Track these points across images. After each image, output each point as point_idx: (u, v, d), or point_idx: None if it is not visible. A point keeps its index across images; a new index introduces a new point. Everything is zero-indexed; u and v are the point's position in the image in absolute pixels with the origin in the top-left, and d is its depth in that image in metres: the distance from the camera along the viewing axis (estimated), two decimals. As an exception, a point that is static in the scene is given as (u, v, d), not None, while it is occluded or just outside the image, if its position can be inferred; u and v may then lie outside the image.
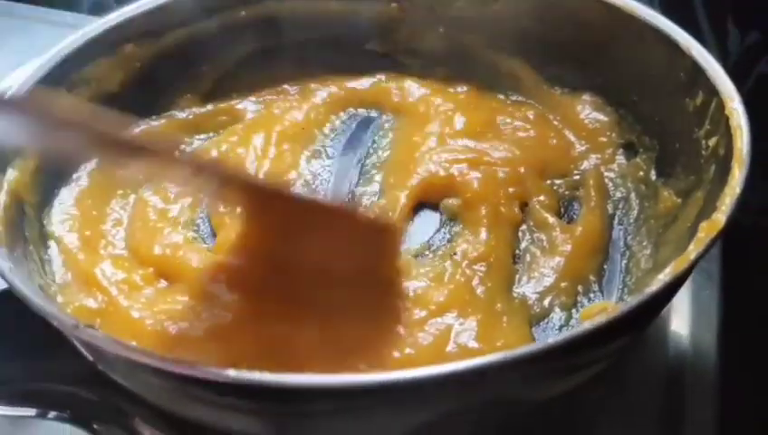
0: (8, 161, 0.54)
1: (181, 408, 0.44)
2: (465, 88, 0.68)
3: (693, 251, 0.41)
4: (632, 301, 0.38)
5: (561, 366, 0.38)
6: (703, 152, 0.53)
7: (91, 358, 0.44)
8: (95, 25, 0.62)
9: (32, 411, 0.52)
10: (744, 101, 0.75)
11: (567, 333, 0.36)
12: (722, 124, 0.50)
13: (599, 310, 0.45)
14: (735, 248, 0.65)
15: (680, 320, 0.57)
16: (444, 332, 0.48)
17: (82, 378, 0.51)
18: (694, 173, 0.53)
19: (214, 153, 0.63)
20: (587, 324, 0.37)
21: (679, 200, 0.54)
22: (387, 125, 0.67)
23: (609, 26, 0.62)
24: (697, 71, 0.54)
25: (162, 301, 0.51)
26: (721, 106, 0.51)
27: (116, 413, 0.51)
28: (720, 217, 0.43)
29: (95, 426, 0.51)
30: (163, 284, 0.53)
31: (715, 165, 0.50)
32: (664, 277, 0.39)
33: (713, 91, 0.52)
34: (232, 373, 0.36)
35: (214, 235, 0.57)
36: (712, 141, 0.52)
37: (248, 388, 0.37)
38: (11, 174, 0.53)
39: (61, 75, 0.59)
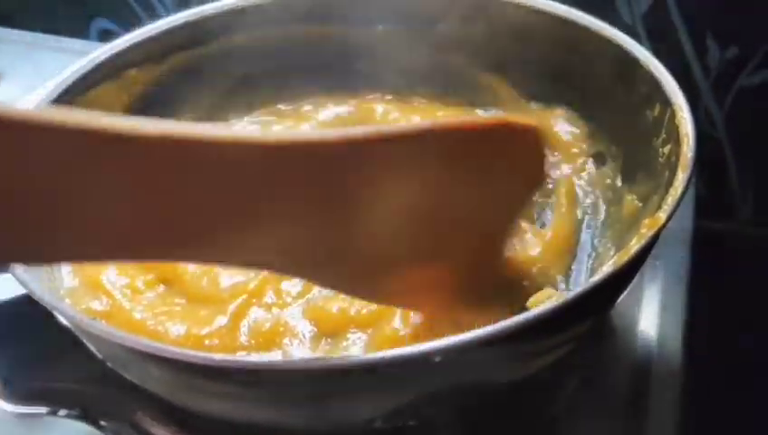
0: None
1: (179, 397, 0.48)
2: (446, 105, 0.72)
3: (634, 246, 0.44)
4: (574, 291, 0.41)
5: (511, 352, 0.41)
6: (660, 159, 0.55)
7: (96, 352, 0.48)
8: (101, 51, 0.65)
9: (44, 409, 0.55)
10: (726, 114, 0.78)
11: (509, 322, 0.39)
12: (674, 132, 0.53)
13: (545, 296, 0.48)
14: (708, 252, 0.69)
15: (649, 316, 0.61)
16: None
17: (91, 378, 0.55)
18: (652, 179, 0.56)
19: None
20: (532, 313, 0.40)
21: (641, 204, 0.57)
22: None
23: (579, 45, 0.65)
24: (654, 84, 0.57)
25: (162, 303, 0.54)
26: (673, 116, 0.54)
27: (121, 410, 0.54)
28: (661, 215, 0.46)
29: (102, 422, 0.54)
30: (162, 288, 0.56)
31: (668, 170, 0.53)
32: (607, 269, 0.43)
33: (667, 103, 0.55)
34: (217, 358, 0.39)
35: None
36: (666, 149, 0.54)
37: (236, 372, 0.40)
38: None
39: (68, 100, 0.61)
